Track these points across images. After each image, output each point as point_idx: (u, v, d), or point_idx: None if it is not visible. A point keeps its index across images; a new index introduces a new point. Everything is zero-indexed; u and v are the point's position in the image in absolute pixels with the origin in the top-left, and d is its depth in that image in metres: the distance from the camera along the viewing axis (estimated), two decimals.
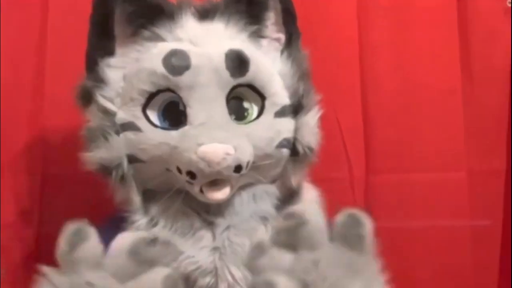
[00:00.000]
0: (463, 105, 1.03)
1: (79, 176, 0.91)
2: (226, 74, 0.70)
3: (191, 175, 0.67)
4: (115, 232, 0.72)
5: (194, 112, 0.69)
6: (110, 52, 0.74)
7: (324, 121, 0.77)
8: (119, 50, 0.74)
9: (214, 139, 0.66)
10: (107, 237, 0.73)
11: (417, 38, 1.03)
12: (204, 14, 0.75)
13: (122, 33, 0.74)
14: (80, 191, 0.93)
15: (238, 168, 0.67)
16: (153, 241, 0.68)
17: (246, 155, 0.69)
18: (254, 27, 0.76)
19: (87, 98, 0.74)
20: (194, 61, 0.70)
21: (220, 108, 0.70)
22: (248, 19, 0.75)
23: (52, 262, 0.92)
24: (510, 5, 1.03)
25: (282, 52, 0.78)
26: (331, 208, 0.78)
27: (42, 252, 0.92)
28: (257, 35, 0.76)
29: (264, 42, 0.78)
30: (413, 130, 1.03)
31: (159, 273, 0.65)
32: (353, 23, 1.02)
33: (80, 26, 0.93)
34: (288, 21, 0.79)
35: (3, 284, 0.91)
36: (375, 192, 1.01)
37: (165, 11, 0.72)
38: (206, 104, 0.69)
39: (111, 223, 0.74)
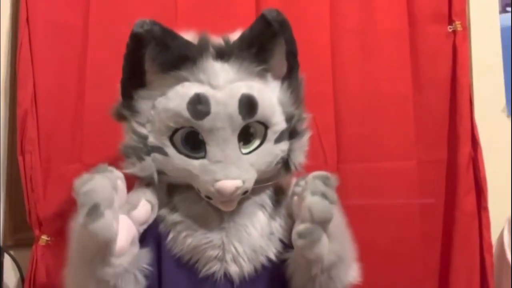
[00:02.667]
0: (414, 108, 1.18)
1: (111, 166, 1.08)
2: (238, 118, 0.79)
3: (208, 197, 0.80)
4: None
5: (212, 150, 0.79)
6: (141, 85, 0.82)
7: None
8: (148, 83, 0.82)
9: (228, 176, 0.77)
10: None
11: (377, 55, 1.18)
12: (221, 54, 0.81)
13: (151, 70, 0.82)
14: None
15: (245, 193, 0.80)
16: None
17: (251, 183, 0.80)
18: (262, 67, 0.83)
19: (122, 118, 0.84)
20: (213, 108, 0.77)
21: (233, 146, 0.79)
22: (257, 62, 0.82)
23: None
24: (451, 30, 1.19)
25: (283, 81, 0.85)
26: None
27: None
28: (263, 71, 0.84)
29: (268, 75, 0.85)
30: (374, 128, 1.17)
31: None
32: (327, 43, 1.15)
33: (116, 43, 1.03)
34: (290, 57, 0.85)
35: (50, 249, 1.05)
36: (344, 177, 1.06)
37: (189, 57, 0.79)
38: (222, 144, 0.78)
39: None
